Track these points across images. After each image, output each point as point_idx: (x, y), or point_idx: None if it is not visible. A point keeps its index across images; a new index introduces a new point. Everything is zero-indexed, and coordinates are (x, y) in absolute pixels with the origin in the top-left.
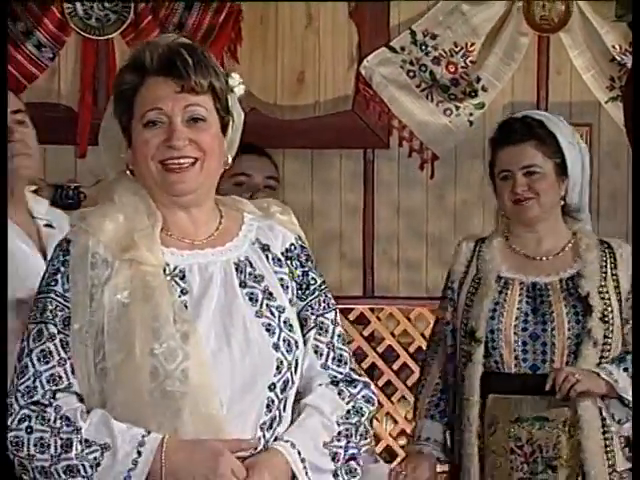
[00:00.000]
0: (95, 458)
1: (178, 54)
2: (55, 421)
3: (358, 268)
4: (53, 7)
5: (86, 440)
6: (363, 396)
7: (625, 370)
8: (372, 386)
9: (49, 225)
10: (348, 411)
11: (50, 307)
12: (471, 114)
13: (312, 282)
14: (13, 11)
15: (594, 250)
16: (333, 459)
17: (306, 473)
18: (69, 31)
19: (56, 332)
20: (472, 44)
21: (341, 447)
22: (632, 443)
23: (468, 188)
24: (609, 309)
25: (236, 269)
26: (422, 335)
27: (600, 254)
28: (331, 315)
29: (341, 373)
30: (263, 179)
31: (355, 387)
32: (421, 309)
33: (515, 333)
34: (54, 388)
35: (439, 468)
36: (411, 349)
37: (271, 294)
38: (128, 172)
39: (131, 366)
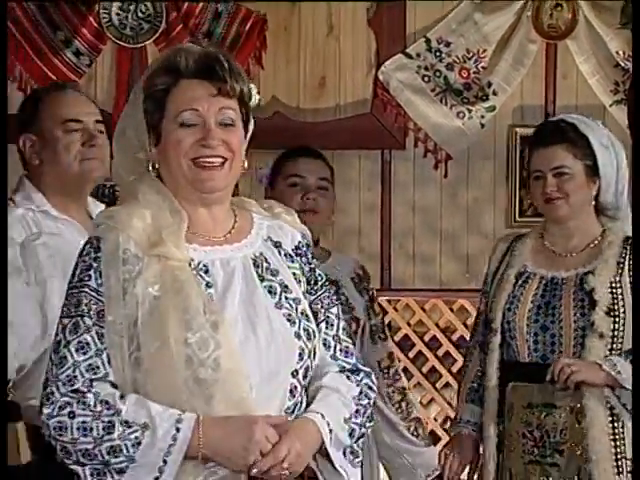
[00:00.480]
0: (136, 437)
1: (216, 59)
2: (96, 405)
3: (376, 262)
4: (90, 17)
5: (126, 421)
6: (366, 384)
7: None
8: (373, 375)
9: None
10: (360, 392)
11: (85, 301)
12: (483, 117)
13: (319, 278)
14: (53, 21)
15: (615, 247)
16: (350, 435)
17: (331, 442)
18: (105, 40)
19: (92, 324)
20: (484, 51)
21: (357, 424)
22: (632, 442)
23: (480, 187)
24: (620, 303)
25: (254, 264)
26: (436, 325)
27: (621, 250)
28: (335, 310)
29: (349, 363)
30: (316, 180)
31: (359, 375)
32: (435, 300)
33: (527, 325)
34: (93, 377)
35: None
36: (426, 338)
37: (287, 287)
38: (151, 170)
39: (166, 355)
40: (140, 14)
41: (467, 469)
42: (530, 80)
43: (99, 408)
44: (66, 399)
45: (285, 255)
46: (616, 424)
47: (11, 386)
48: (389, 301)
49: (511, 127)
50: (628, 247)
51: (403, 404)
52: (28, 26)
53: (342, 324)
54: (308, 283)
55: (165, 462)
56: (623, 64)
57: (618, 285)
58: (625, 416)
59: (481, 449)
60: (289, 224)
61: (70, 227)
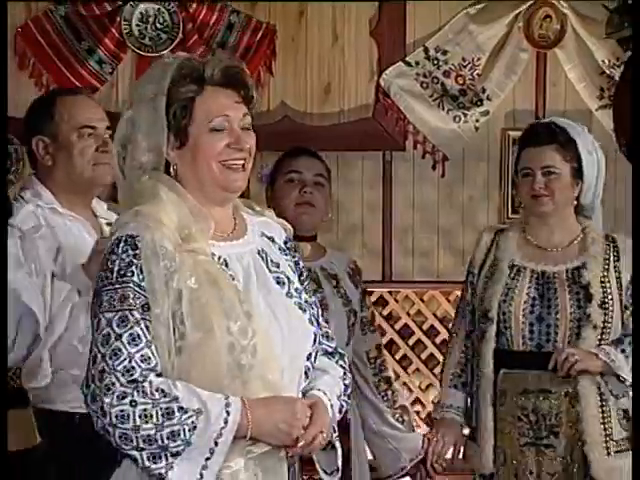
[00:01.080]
0: (192, 422)
1: (240, 69)
2: (153, 393)
3: (378, 256)
4: (113, 28)
5: (182, 407)
6: (342, 365)
7: (622, 351)
8: (346, 357)
9: (109, 224)
10: (344, 373)
11: (131, 296)
12: (477, 120)
13: (303, 270)
14: (78, 32)
15: (599, 244)
16: (340, 411)
17: (333, 419)
18: (126, 49)
19: (140, 317)
20: (478, 59)
21: (345, 401)
22: (632, 440)
23: (474, 186)
24: (609, 297)
25: (260, 258)
26: (434, 314)
27: (605, 247)
28: (314, 299)
29: (330, 347)
30: (312, 176)
31: (339, 357)
32: (433, 292)
33: (523, 315)
34: (147, 367)
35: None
36: (424, 327)
37: (288, 278)
38: (172, 170)
39: (211, 343)
40: (158, 25)
41: (450, 451)
42: (522, 86)
43: (157, 396)
44: (125, 389)
45: (280, 249)
46: (605, 408)
47: (13, 373)
48: (390, 293)
49: (504, 130)
50: (610, 245)
51: (389, 393)
52: (55, 37)
53: (320, 311)
54: (297, 274)
55: (216, 444)
56: (608, 72)
57: (607, 280)
58: (611, 400)
59: (464, 431)
60: (273, 220)
61: (76, 223)
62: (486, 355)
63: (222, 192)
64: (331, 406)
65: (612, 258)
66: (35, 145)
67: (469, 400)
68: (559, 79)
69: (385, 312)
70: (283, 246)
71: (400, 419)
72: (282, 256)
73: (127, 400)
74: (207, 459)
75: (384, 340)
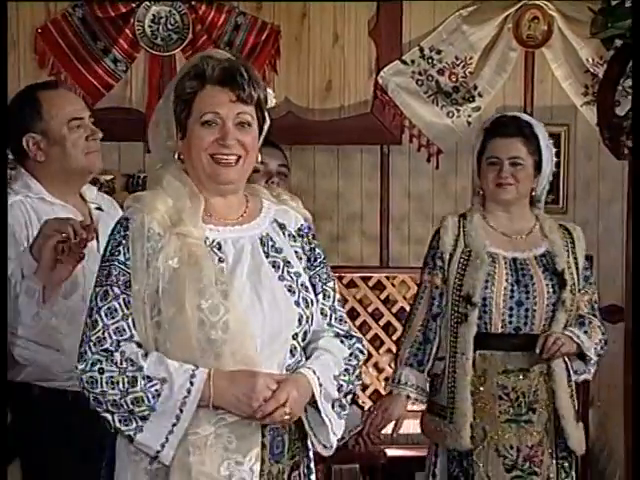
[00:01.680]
0: (156, 390)
1: (237, 70)
2: (122, 363)
3: (375, 243)
4: (127, 29)
5: (148, 376)
6: (357, 347)
7: (585, 332)
8: (364, 341)
9: (99, 208)
10: (350, 354)
11: (114, 272)
12: (469, 116)
13: (318, 256)
14: (94, 33)
15: (556, 232)
16: (338, 390)
17: (320, 395)
18: (139, 49)
19: (119, 292)
20: (470, 58)
21: (345, 381)
22: (632, 443)
23: (466, 177)
24: (574, 282)
25: (261, 242)
26: None
27: (562, 236)
28: (332, 284)
29: (342, 330)
30: (276, 166)
31: (352, 340)
32: None
33: (504, 300)
34: (119, 338)
35: (415, 407)
36: None
37: (289, 262)
38: (176, 158)
39: (182, 319)
40: (169, 26)
41: (391, 425)
42: (511, 83)
43: (124, 365)
44: (96, 357)
45: (289, 235)
46: (570, 384)
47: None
48: (387, 277)
49: None
50: (566, 233)
51: None
52: (72, 37)
53: (337, 296)
54: (308, 260)
55: (181, 411)
56: (592, 70)
57: (569, 266)
58: (573, 377)
59: (415, 407)
60: (293, 209)
61: (65, 210)
62: (467, 338)
63: (213, 184)
64: (320, 385)
65: (569, 246)
66: (25, 143)
67: (438, 380)
68: (546, 77)
69: (382, 296)
70: (294, 233)
71: None
72: (290, 242)
73: (96, 367)
74: (173, 425)
75: (381, 322)
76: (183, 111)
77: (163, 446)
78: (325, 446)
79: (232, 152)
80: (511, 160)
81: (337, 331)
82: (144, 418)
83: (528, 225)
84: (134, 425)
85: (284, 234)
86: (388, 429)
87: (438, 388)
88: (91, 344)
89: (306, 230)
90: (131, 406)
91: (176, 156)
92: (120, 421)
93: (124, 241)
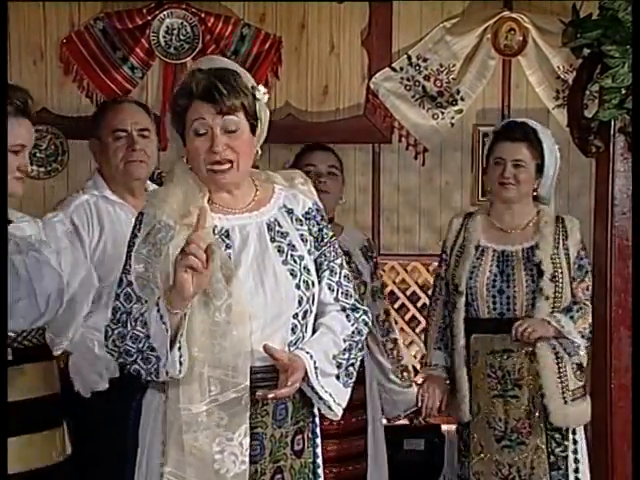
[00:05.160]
0: (145, 323)
1: (215, 85)
2: (132, 322)
3: (368, 233)
4: (143, 39)
5: (143, 321)
6: (363, 319)
7: (571, 318)
8: (369, 313)
9: None
10: (353, 332)
11: (129, 262)
12: (452, 118)
13: (325, 236)
14: (113, 43)
15: (550, 226)
16: (338, 367)
17: (316, 376)
18: (154, 57)
19: (133, 280)
20: (453, 65)
21: (344, 359)
22: (632, 442)
23: (450, 173)
24: (559, 271)
25: (267, 228)
26: (416, 282)
27: (555, 228)
28: (339, 261)
29: (348, 304)
30: (326, 167)
31: (358, 313)
32: (415, 263)
33: (487, 289)
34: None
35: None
36: (407, 293)
37: (294, 246)
38: (184, 160)
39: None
40: (182, 37)
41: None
42: (490, 88)
43: (134, 324)
44: (117, 330)
45: (296, 220)
46: (560, 365)
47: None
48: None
49: (475, 126)
50: (559, 225)
51: (394, 352)
52: (94, 47)
53: (344, 272)
54: (316, 240)
55: (167, 330)
56: (563, 76)
57: (557, 257)
58: (565, 358)
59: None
60: (303, 193)
61: (124, 208)
62: (458, 322)
63: (213, 186)
64: (315, 368)
65: (561, 237)
66: (90, 145)
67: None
68: (521, 82)
69: None
70: (301, 217)
71: (400, 376)
72: (296, 226)
73: (119, 335)
74: (172, 343)
75: None
76: (179, 124)
77: (182, 360)
78: (331, 408)
79: (223, 158)
80: (514, 162)
81: (343, 305)
82: (153, 349)
83: (526, 220)
84: (155, 355)
85: (291, 219)
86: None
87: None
88: (112, 324)
89: (314, 213)
90: (145, 349)
91: (184, 159)
92: (143, 360)
93: (139, 233)
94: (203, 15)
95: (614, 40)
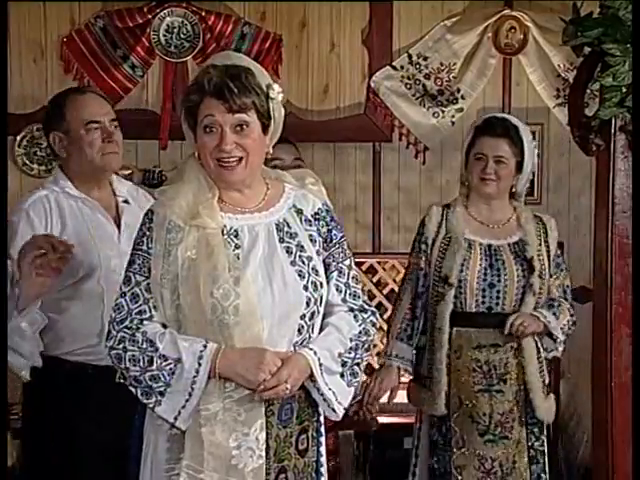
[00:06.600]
0: (170, 369)
1: (226, 84)
2: (142, 343)
3: (368, 231)
4: (143, 38)
5: (163, 356)
6: (371, 320)
7: (554, 314)
8: (377, 314)
9: (126, 201)
10: (360, 332)
11: (138, 261)
12: (453, 116)
13: (334, 237)
14: (114, 41)
15: (531, 222)
16: (343, 365)
17: (321, 373)
18: (155, 56)
19: (142, 279)
20: (454, 64)
21: (350, 357)
22: (632, 440)
23: (451, 171)
24: (543, 268)
25: (277, 228)
26: None
27: (536, 226)
28: (347, 262)
29: (356, 304)
30: (292, 160)
31: (366, 313)
32: None
33: (477, 282)
34: (141, 318)
35: (404, 379)
36: None
37: (302, 247)
38: (196, 156)
39: (198, 305)
40: (182, 35)
41: (386, 395)
42: (491, 87)
43: (144, 345)
44: (121, 334)
45: (305, 220)
46: (540, 359)
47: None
48: (379, 262)
49: None
50: (539, 223)
51: None
52: (94, 45)
53: (353, 273)
54: (325, 241)
55: (192, 388)
56: (563, 74)
57: (541, 253)
58: (543, 353)
59: (403, 379)
60: (313, 193)
61: (87, 203)
62: (444, 315)
63: (222, 183)
64: (320, 365)
65: (542, 235)
66: (52, 139)
67: (421, 352)
68: (522, 81)
69: (375, 279)
70: (310, 217)
71: None
72: (305, 227)
73: (121, 346)
74: (186, 400)
75: (374, 303)
76: (190, 120)
77: (176, 418)
78: (335, 411)
79: (232, 155)
80: (496, 158)
81: (351, 306)
82: (161, 393)
83: (506, 216)
84: (154, 399)
85: (301, 220)
86: (384, 399)
87: (420, 360)
88: (115, 324)
89: (323, 213)
90: (150, 382)
91: (195, 155)
92: (142, 394)
93: (148, 232)
94: (204, 14)
95: (615, 38)
